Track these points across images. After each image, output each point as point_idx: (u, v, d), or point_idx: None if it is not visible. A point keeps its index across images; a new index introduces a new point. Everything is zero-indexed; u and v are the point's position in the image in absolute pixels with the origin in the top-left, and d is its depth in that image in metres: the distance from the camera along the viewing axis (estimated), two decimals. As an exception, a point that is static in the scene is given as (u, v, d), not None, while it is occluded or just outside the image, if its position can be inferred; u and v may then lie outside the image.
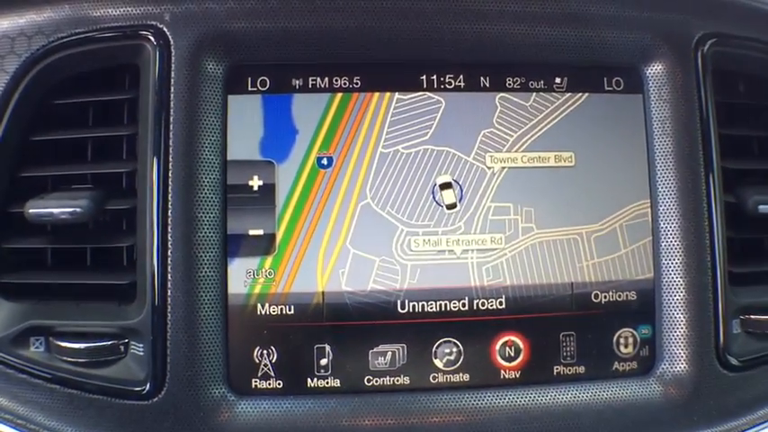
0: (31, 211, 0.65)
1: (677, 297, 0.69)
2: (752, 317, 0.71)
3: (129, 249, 0.69)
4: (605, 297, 0.69)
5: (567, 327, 0.69)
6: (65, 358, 0.66)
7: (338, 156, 0.68)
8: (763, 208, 0.71)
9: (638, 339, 0.70)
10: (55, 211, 0.65)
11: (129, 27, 0.67)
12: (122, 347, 0.66)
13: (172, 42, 0.66)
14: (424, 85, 0.69)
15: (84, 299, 0.68)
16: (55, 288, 0.69)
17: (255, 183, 0.67)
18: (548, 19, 0.69)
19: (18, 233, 0.69)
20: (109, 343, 0.65)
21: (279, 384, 0.67)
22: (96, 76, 0.69)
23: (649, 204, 0.70)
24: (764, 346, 0.71)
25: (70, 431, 0.65)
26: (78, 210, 0.65)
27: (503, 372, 0.68)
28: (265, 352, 0.67)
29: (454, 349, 0.68)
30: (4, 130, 0.66)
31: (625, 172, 0.71)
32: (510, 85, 0.70)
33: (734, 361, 0.70)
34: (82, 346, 0.65)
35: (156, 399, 0.65)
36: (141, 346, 0.65)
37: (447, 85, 0.70)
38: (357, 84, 0.69)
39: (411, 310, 0.67)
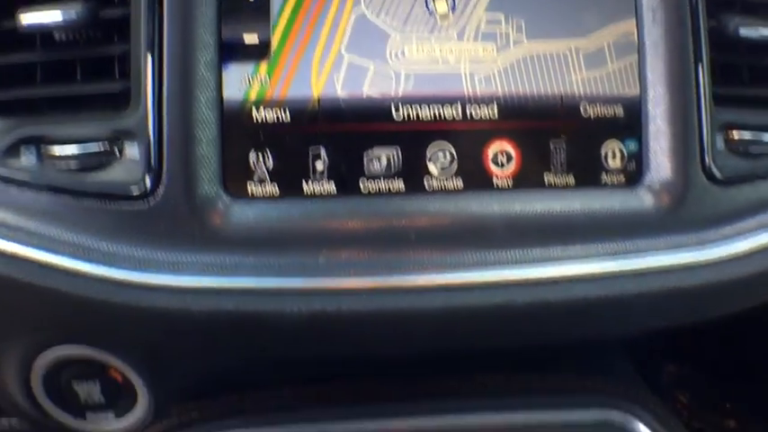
0: (23, 20, 0.64)
1: (662, 110, 0.71)
2: (734, 132, 0.72)
3: (121, 62, 0.68)
4: (593, 109, 0.71)
5: (556, 135, 0.70)
6: (58, 164, 0.65)
7: (332, -37, 0.68)
8: (743, 31, 0.73)
9: (626, 154, 0.72)
10: (47, 19, 0.64)
11: None
12: (117, 150, 0.65)
13: None
14: None
15: (77, 111, 0.67)
16: (46, 103, 0.68)
17: (250, -11, 0.67)
18: None
19: (4, 49, 0.68)
20: (102, 145, 0.65)
21: (274, 187, 0.67)
22: None
23: (635, 23, 0.72)
24: (748, 165, 0.73)
25: (59, 235, 0.64)
26: (73, 15, 0.64)
27: (495, 178, 0.69)
28: (261, 156, 0.67)
29: (448, 155, 0.69)
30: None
31: (612, -13, 0.72)
32: None
33: (718, 174, 0.71)
34: (75, 150, 0.65)
35: (151, 199, 0.65)
36: (136, 146, 0.65)
37: None
38: None
39: (405, 113, 0.68)
